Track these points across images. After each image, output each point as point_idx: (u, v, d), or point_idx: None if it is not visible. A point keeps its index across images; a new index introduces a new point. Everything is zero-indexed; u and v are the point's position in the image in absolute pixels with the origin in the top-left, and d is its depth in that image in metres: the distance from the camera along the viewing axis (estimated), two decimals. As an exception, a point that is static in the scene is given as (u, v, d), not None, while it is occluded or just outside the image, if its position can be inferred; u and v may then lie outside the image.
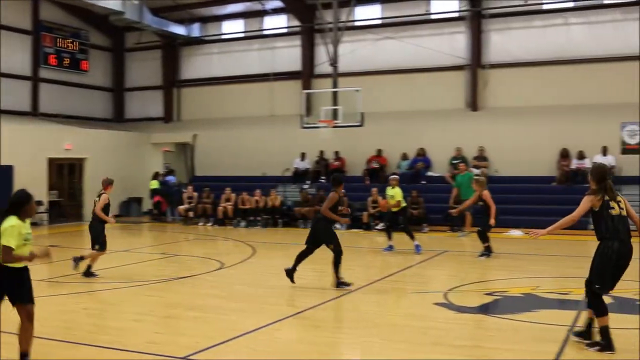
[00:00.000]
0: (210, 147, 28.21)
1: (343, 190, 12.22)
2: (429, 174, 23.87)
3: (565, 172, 22.04)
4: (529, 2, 23.72)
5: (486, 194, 14.79)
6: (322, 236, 10.99)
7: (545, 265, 14.17)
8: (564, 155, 22.34)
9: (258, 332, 8.10)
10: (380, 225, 20.65)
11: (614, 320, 8.58)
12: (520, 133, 23.11)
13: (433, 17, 25.62)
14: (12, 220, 6.37)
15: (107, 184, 12.57)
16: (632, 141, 22.14)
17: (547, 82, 23.53)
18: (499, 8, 24.36)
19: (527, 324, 8.59)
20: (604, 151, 21.79)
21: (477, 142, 23.40)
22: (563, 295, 10.40)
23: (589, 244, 15.25)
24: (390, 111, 25.01)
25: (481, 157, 23.12)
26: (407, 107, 25.21)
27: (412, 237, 15.70)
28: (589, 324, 7.49)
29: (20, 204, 6.48)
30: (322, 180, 24.52)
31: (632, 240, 7.16)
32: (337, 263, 10.88)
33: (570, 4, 23.84)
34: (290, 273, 11.14)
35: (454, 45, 24.92)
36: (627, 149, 22.09)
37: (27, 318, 6.46)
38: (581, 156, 22.06)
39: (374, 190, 21.63)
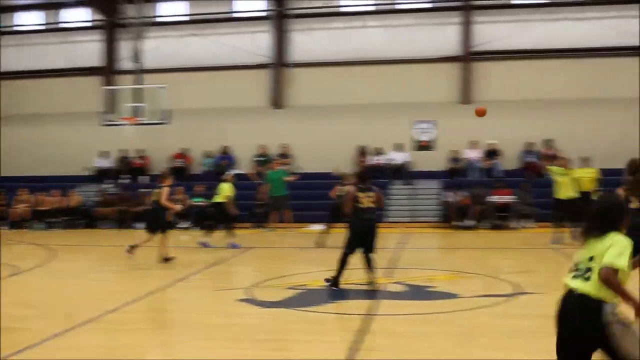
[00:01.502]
0: (6, 145, 26.42)
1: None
2: (234, 171, 23.92)
3: (363, 167, 23.05)
4: (330, 4, 24.60)
5: None
6: (374, 239, 10.50)
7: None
8: (362, 152, 23.39)
9: (57, 339, 7.74)
10: (187, 224, 20.58)
11: (407, 306, 9.15)
12: (322, 131, 23.90)
13: (237, 15, 25.80)
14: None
15: None
16: (424, 138, 23.65)
17: (346, 82, 24.50)
18: (302, 9, 25.00)
19: (327, 315, 8.91)
20: (399, 148, 23.08)
21: (281, 140, 23.87)
22: (360, 286, 10.87)
23: (386, 235, 16.01)
24: (195, 108, 24.85)
25: (285, 155, 23.60)
26: (212, 105, 25.18)
27: (231, 234, 15.88)
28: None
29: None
30: (124, 180, 23.88)
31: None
32: (343, 265, 10.48)
33: (370, 8, 25.02)
34: (335, 284, 10.49)
35: (258, 43, 25.25)
36: (419, 146, 23.59)
37: None
38: (378, 153, 23.22)
39: (179, 188, 21.40)
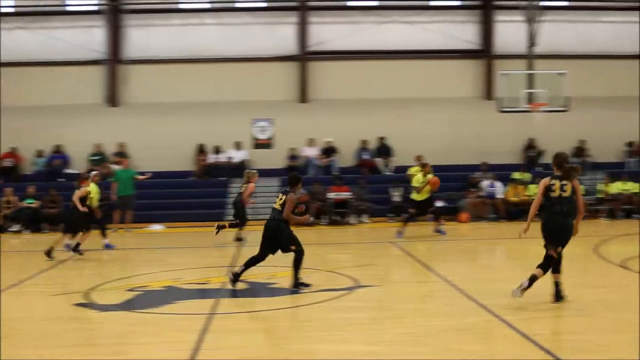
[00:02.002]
0: None
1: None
2: (68, 171, 23.03)
3: (202, 166, 22.99)
4: (167, 0, 24.23)
5: None
6: (284, 240, 10.31)
7: (187, 257, 14.64)
8: (201, 150, 23.27)
9: None
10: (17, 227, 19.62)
11: (249, 304, 9.27)
12: (161, 129, 23.48)
13: (70, 9, 24.82)
14: None
15: None
16: (263, 136, 23.90)
17: (185, 80, 24.23)
18: (138, 4, 24.43)
19: (168, 316, 8.85)
20: (238, 146, 23.18)
21: (117, 138, 23.22)
22: (202, 285, 10.88)
23: (227, 233, 16.02)
24: (25, 106, 23.60)
25: (121, 153, 22.97)
26: (44, 102, 23.97)
27: (104, 235, 15.43)
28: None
29: None
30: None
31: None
32: (298, 264, 10.27)
33: (206, 5, 24.88)
34: (236, 277, 10.32)
35: (92, 39, 24.38)
36: (257, 144, 23.81)
37: None
38: (217, 151, 23.19)
39: (9, 190, 20.35)
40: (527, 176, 22.09)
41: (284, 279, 10.90)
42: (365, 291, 10.09)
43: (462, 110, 24.51)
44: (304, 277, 10.41)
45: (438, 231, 17.13)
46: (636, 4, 25.98)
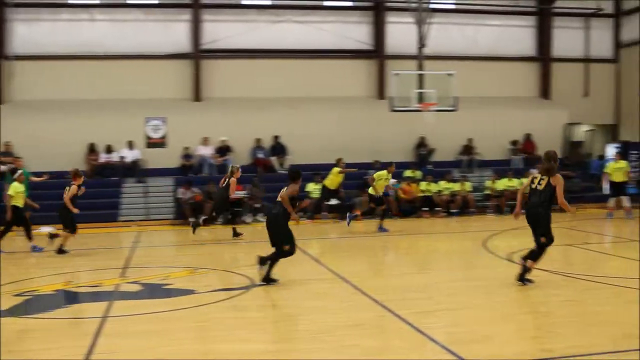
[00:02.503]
0: None
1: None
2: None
3: (93, 166, 22.38)
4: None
5: None
6: (280, 235, 10.53)
7: (80, 260, 14.21)
8: (92, 149, 22.65)
9: None
10: None
11: (143, 305, 9.14)
12: (49, 128, 22.64)
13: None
14: None
15: None
16: (156, 135, 23.52)
17: (75, 76, 23.53)
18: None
19: (59, 320, 8.60)
20: (130, 145, 22.70)
21: (3, 137, 22.26)
22: (95, 288, 10.62)
23: (120, 234, 15.72)
24: None
25: (7, 153, 22.03)
26: None
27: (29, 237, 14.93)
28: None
29: None
30: None
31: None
32: (277, 259, 10.45)
33: (96, 1, 24.20)
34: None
35: (-27, 33, 23.31)
36: (151, 143, 23.41)
37: None
38: (109, 150, 22.64)
39: None
40: (418, 174, 22.70)
41: (179, 280, 10.81)
42: (261, 290, 10.14)
43: (356, 109, 24.92)
44: (199, 277, 10.36)
45: (381, 229, 17.52)
46: (519, 9, 27.21)
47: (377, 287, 10.06)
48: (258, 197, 21.13)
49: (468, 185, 22.25)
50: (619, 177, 19.88)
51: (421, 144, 24.67)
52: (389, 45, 25.91)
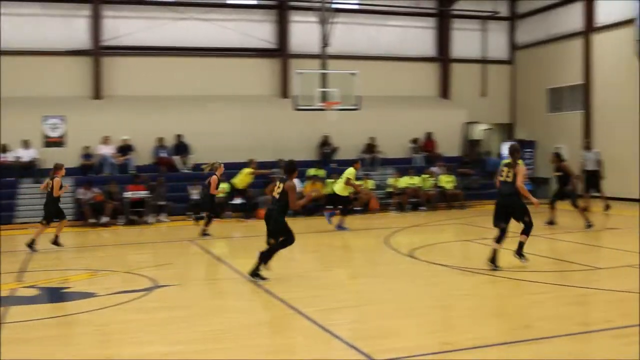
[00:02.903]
0: None
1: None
2: None
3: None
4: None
5: None
6: (278, 229, 10.46)
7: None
8: (-13, 149, 21.74)
9: None
10: None
11: (42, 310, 8.85)
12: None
13: None
14: None
15: None
16: (54, 134, 22.78)
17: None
18: None
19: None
20: (26, 144, 21.89)
21: None
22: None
23: (16, 237, 15.17)
24: None
25: None
26: None
27: None
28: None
29: None
30: None
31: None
32: (271, 253, 10.42)
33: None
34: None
35: None
36: (49, 142, 22.66)
37: None
38: (4, 150, 21.76)
39: None
40: (322, 172, 22.87)
41: (79, 283, 10.54)
42: (164, 291, 10.00)
43: (259, 108, 24.89)
44: (100, 279, 10.12)
45: (340, 227, 17.44)
46: (420, 10, 27.83)
47: (281, 285, 10.09)
48: (162, 197, 20.82)
49: (371, 183, 22.60)
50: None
51: (324, 142, 24.87)
52: (292, 44, 26.02)
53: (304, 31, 25.48)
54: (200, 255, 14.17)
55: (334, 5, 24.07)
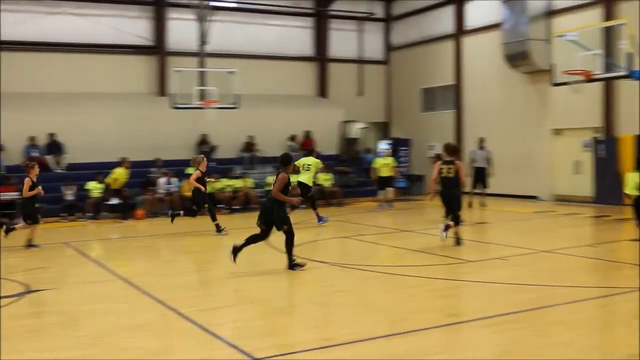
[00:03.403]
0: None
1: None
2: None
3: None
4: None
5: None
6: (275, 219, 10.69)
7: None
8: None
9: None
10: None
11: None
12: None
13: None
14: None
15: None
16: None
17: None
18: None
19: None
20: None
21: None
22: None
23: None
24: None
25: None
26: None
27: None
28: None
29: None
30: None
31: None
32: (289, 245, 10.73)
33: None
34: (236, 251, 10.77)
35: None
36: None
37: None
38: None
39: None
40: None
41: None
42: (37, 296, 9.65)
43: (136, 106, 24.39)
44: None
45: (321, 219, 17.50)
46: (298, 10, 28.09)
47: (160, 286, 9.97)
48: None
49: (250, 182, 22.61)
50: (385, 172, 21.42)
51: (203, 141, 24.66)
52: (170, 42, 25.65)
53: (181, 29, 25.21)
54: (76, 257, 13.75)
55: (212, 3, 23.92)
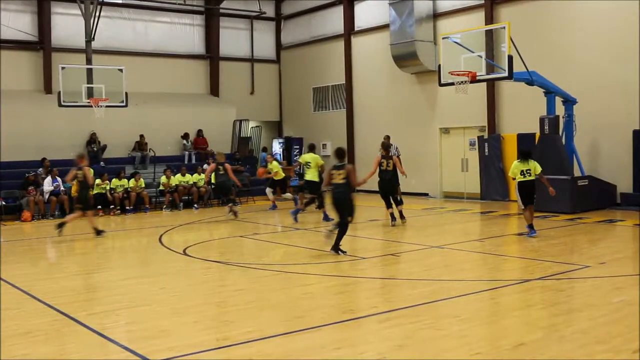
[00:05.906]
0: None
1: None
2: None
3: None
4: None
5: None
6: (348, 209, 11.70)
7: None
8: None
9: None
10: None
11: None
12: None
13: None
14: None
15: None
16: None
17: None
18: None
19: None
20: None
21: None
22: None
23: None
24: None
25: None
26: None
27: None
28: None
29: None
30: None
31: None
32: (343, 233, 11.80)
33: None
34: (337, 249, 11.86)
35: None
36: None
37: None
38: None
39: None
40: (90, 171, 21.97)
41: None
42: None
43: (21, 104, 23.42)
44: None
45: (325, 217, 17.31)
46: (188, 7, 27.76)
47: (49, 290, 9.65)
48: None
49: (142, 182, 22.16)
50: (279, 175, 21.16)
51: (92, 140, 23.98)
52: (55, 37, 24.80)
53: (67, 24, 24.50)
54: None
55: (98, -2, 23.31)
